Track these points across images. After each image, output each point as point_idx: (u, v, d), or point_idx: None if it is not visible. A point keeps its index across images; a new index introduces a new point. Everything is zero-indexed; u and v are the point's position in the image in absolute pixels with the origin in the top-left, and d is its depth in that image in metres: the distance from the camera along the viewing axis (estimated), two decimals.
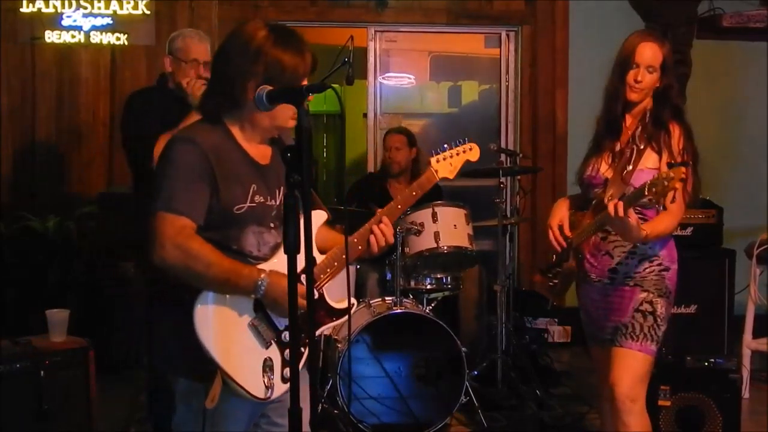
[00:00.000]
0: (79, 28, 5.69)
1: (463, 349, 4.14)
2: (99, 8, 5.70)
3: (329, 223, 2.48)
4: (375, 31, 6.20)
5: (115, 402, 4.40)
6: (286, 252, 1.92)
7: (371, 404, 4.15)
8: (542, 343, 5.47)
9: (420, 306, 4.41)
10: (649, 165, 2.90)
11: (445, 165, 2.61)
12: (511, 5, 6.20)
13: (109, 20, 5.72)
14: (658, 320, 2.94)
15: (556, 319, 5.60)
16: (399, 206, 2.50)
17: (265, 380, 2.20)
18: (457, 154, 2.64)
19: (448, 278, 4.60)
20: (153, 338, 2.34)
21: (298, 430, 1.91)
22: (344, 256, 2.31)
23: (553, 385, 4.91)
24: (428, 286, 4.56)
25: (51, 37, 5.67)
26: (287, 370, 2.23)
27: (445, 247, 4.40)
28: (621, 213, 2.69)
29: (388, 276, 4.61)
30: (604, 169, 2.99)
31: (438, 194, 4.73)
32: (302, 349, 2.25)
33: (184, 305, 2.14)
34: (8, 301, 4.95)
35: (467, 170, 2.72)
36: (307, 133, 1.92)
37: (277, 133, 2.31)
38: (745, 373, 4.71)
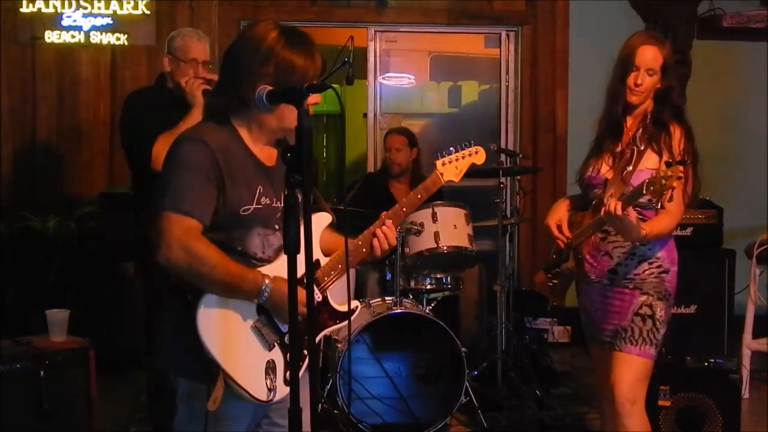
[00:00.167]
0: (79, 28, 5.69)
1: (463, 349, 4.14)
2: (99, 8, 5.70)
3: (334, 225, 2.48)
4: (375, 31, 6.20)
5: (115, 402, 4.40)
6: (285, 252, 1.92)
7: (371, 404, 4.15)
8: (542, 343, 5.47)
9: (420, 306, 4.41)
10: (649, 165, 2.90)
11: (451, 168, 2.60)
12: (511, 5, 6.20)
13: (109, 20, 5.72)
14: (657, 324, 2.94)
15: (556, 319, 5.59)
16: (404, 209, 2.49)
17: (268, 382, 2.19)
18: (463, 157, 2.63)
19: (448, 278, 4.60)
20: (155, 338, 2.34)
21: (298, 430, 1.91)
22: (347, 259, 2.31)
23: (553, 385, 4.91)
24: (428, 286, 4.55)
25: (51, 37, 5.67)
26: (289, 373, 2.23)
27: (445, 247, 4.40)
28: (619, 212, 2.70)
29: (388, 276, 4.61)
30: (605, 170, 3.00)
31: (438, 194, 4.72)
32: (304, 351, 2.24)
33: (186, 306, 2.14)
34: (8, 301, 4.95)
35: (468, 169, 2.70)
36: (307, 133, 1.91)
37: (283, 134, 2.30)
38: (745, 374, 4.71)
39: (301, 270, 1.95)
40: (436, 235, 4.37)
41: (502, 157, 5.22)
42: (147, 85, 4.51)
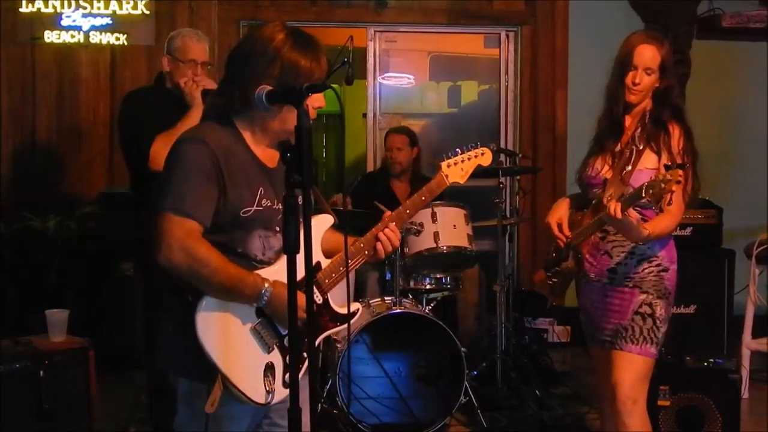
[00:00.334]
0: (78, 28, 5.69)
1: (463, 349, 4.14)
2: (98, 8, 5.70)
3: (336, 227, 2.47)
4: (375, 31, 6.20)
5: (115, 402, 4.40)
6: (285, 252, 1.91)
7: (371, 404, 4.15)
8: (542, 343, 5.47)
9: (420, 306, 4.41)
10: (648, 165, 2.91)
11: (456, 170, 2.57)
12: (511, 5, 6.20)
13: (108, 20, 5.72)
14: (658, 322, 2.94)
15: (556, 319, 5.59)
16: (407, 211, 2.47)
17: (266, 385, 2.19)
18: (469, 159, 2.60)
19: (448, 278, 4.60)
20: (155, 338, 2.34)
21: (298, 430, 1.91)
22: (348, 261, 2.30)
23: (553, 385, 4.91)
24: (428, 286, 4.56)
25: (50, 37, 5.67)
26: (289, 375, 2.23)
27: (445, 247, 4.40)
28: (620, 214, 2.70)
29: (388, 276, 4.61)
30: (604, 169, 3.00)
31: (439, 195, 4.71)
32: (304, 354, 2.24)
33: (186, 306, 2.13)
34: (8, 301, 4.95)
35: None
36: (307, 133, 1.91)
37: (286, 137, 2.29)
38: (745, 373, 4.71)
39: (301, 272, 1.94)
40: (436, 235, 4.38)
41: (502, 157, 5.22)
42: (145, 85, 4.51)
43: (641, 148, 2.93)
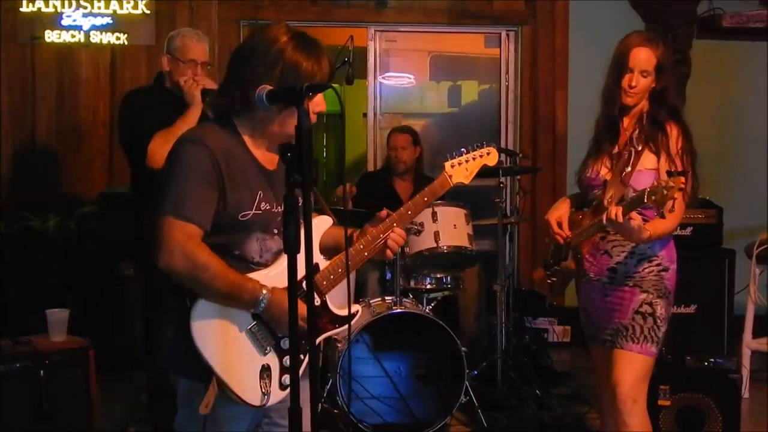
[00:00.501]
0: (78, 28, 5.69)
1: (463, 348, 4.14)
2: (99, 8, 5.70)
3: (337, 222, 2.47)
4: (375, 31, 6.20)
5: (115, 402, 4.40)
6: (286, 251, 1.91)
7: (371, 404, 4.15)
8: (542, 342, 5.47)
9: (420, 306, 4.41)
10: (647, 166, 2.91)
11: (461, 170, 2.54)
12: (511, 5, 6.20)
13: (108, 20, 5.72)
14: (658, 321, 2.94)
15: (556, 319, 5.59)
16: (409, 212, 2.45)
17: (262, 387, 2.18)
18: (474, 159, 2.57)
19: (448, 278, 4.60)
20: (155, 338, 2.34)
21: (298, 430, 1.91)
22: (347, 262, 2.29)
23: (553, 385, 4.91)
24: (428, 286, 4.56)
25: (51, 36, 5.67)
26: (286, 377, 2.22)
27: (445, 247, 4.40)
28: (621, 218, 2.71)
29: (388, 275, 4.61)
30: (604, 171, 3.00)
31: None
32: (302, 356, 2.24)
33: (184, 306, 2.13)
34: (8, 301, 4.95)
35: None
36: (307, 133, 1.91)
37: (285, 140, 2.28)
38: (745, 373, 4.71)
39: (300, 273, 1.94)
40: (436, 234, 4.38)
41: (502, 156, 5.22)
42: (145, 85, 4.51)
43: (640, 149, 2.93)
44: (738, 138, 6.31)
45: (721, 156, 6.02)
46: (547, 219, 3.14)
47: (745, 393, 4.65)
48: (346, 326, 2.37)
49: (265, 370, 2.20)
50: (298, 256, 1.91)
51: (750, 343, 4.83)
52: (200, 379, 2.16)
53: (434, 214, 4.39)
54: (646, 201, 2.60)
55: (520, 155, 5.52)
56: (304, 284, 2.05)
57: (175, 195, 2.11)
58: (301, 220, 1.93)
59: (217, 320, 2.15)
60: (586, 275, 3.06)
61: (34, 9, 5.64)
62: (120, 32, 5.72)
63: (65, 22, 5.67)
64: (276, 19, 5.74)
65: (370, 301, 4.27)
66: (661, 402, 3.78)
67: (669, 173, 2.64)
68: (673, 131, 2.93)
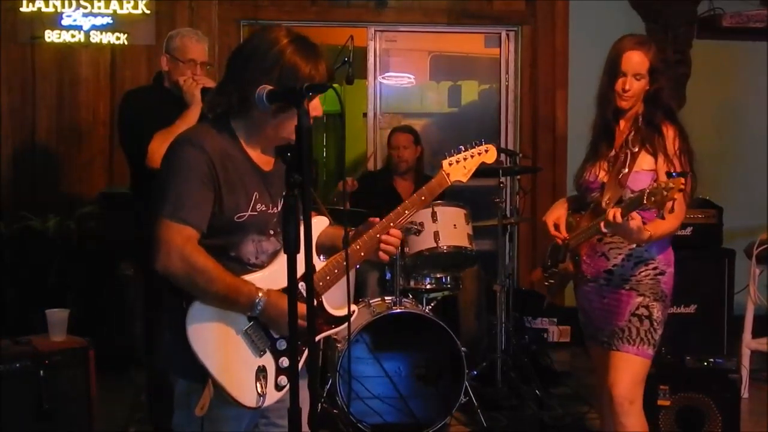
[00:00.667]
0: (79, 28, 5.69)
1: (463, 348, 4.14)
2: (99, 8, 5.70)
3: (336, 222, 2.46)
4: (375, 31, 6.20)
5: (115, 402, 4.40)
6: (286, 252, 1.91)
7: (371, 404, 4.15)
8: (542, 342, 5.47)
9: (420, 306, 4.41)
10: (644, 167, 2.91)
11: (458, 168, 2.54)
12: (511, 5, 6.20)
13: (108, 20, 5.72)
14: (655, 324, 2.95)
15: (556, 319, 5.60)
16: (407, 211, 2.44)
17: (258, 388, 2.18)
18: (472, 156, 2.56)
19: (448, 278, 4.60)
20: (155, 338, 2.34)
21: (298, 430, 1.91)
22: (344, 263, 2.29)
23: (553, 385, 4.91)
24: (428, 286, 4.56)
25: (51, 36, 5.67)
26: (281, 378, 2.22)
27: (445, 247, 4.40)
28: (619, 220, 2.70)
29: (388, 275, 4.61)
30: (601, 174, 3.01)
31: (441, 194, 4.71)
32: (298, 356, 2.24)
33: (182, 308, 2.13)
34: (8, 301, 4.95)
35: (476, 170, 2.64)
36: (307, 133, 1.91)
37: (280, 143, 2.28)
38: (745, 373, 4.72)
39: (297, 273, 1.94)
40: (436, 234, 4.38)
41: (502, 156, 5.22)
42: (144, 85, 4.51)
43: (636, 150, 2.94)
44: (738, 138, 6.31)
45: (720, 156, 6.02)
46: (545, 221, 3.14)
47: (745, 393, 4.66)
48: (344, 326, 2.37)
49: (261, 372, 2.20)
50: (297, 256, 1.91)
51: (750, 343, 4.83)
52: (198, 379, 2.16)
53: (434, 214, 4.39)
54: (645, 202, 2.60)
55: (520, 155, 5.52)
56: (300, 284, 2.05)
57: (172, 197, 2.12)
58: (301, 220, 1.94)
59: (213, 322, 2.15)
60: (584, 277, 3.06)
61: (34, 9, 5.64)
62: (120, 32, 5.72)
63: (65, 22, 5.67)
64: (276, 19, 5.74)
65: (370, 301, 4.27)
66: (660, 402, 3.78)
67: (668, 174, 2.64)
68: (669, 132, 2.94)
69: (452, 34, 6.50)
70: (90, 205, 5.46)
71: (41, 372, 3.49)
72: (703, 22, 6.06)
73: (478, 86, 7.05)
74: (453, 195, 4.82)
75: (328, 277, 2.32)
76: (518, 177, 5.51)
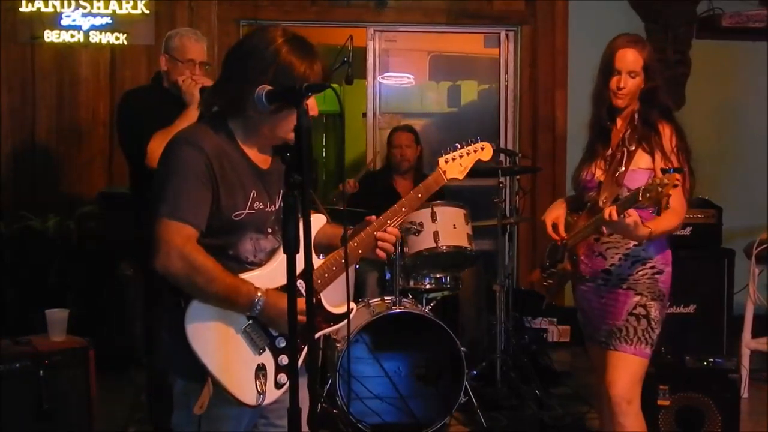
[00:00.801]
0: (78, 28, 5.70)
1: (463, 348, 4.14)
2: (98, 8, 5.70)
3: (334, 220, 2.47)
4: (374, 31, 6.21)
5: (115, 402, 4.40)
6: (285, 251, 1.91)
7: (371, 404, 4.15)
8: (542, 342, 5.47)
9: (419, 306, 4.41)
10: (642, 165, 2.91)
11: (455, 165, 2.54)
12: (511, 5, 6.20)
13: (108, 20, 5.72)
14: (652, 323, 2.95)
15: (556, 319, 5.60)
16: (404, 209, 2.45)
17: (258, 386, 2.18)
18: (468, 154, 2.57)
19: (448, 278, 4.60)
20: (154, 338, 2.34)
21: (298, 431, 1.91)
22: (343, 260, 2.29)
23: (553, 385, 4.91)
24: (427, 286, 4.56)
25: (50, 36, 5.67)
26: (281, 376, 2.22)
27: (445, 247, 4.40)
28: (615, 218, 2.70)
29: (388, 275, 4.61)
30: (598, 173, 3.01)
31: (440, 194, 4.73)
32: (301, 345, 2.24)
33: (180, 307, 2.14)
34: (8, 301, 4.95)
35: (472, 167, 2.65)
36: (306, 133, 1.91)
37: (277, 142, 2.28)
38: (745, 373, 4.72)
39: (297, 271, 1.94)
40: (436, 234, 4.38)
41: (502, 156, 5.23)
42: (143, 85, 4.51)
43: (632, 149, 2.94)
44: (738, 138, 6.31)
45: (720, 156, 6.02)
46: (543, 221, 3.14)
47: (745, 393, 4.66)
48: (343, 323, 2.37)
49: (261, 370, 2.20)
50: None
51: (749, 342, 4.83)
52: (197, 379, 2.16)
53: (433, 214, 4.39)
54: (641, 199, 2.60)
55: (520, 155, 5.52)
56: (298, 282, 2.05)
57: (171, 197, 2.12)
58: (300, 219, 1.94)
59: (212, 321, 2.15)
60: (582, 277, 3.07)
61: (34, 9, 5.65)
62: (119, 32, 5.72)
63: (65, 22, 5.68)
64: (276, 19, 5.74)
65: (370, 301, 4.27)
66: (660, 402, 3.78)
67: (663, 170, 2.63)
68: (665, 130, 2.94)
69: (452, 34, 6.50)
70: (90, 205, 5.47)
71: (41, 372, 3.49)
72: (703, 22, 6.06)
73: (478, 86, 7.05)
74: (453, 195, 4.83)
75: (326, 275, 2.33)
76: (518, 177, 5.51)
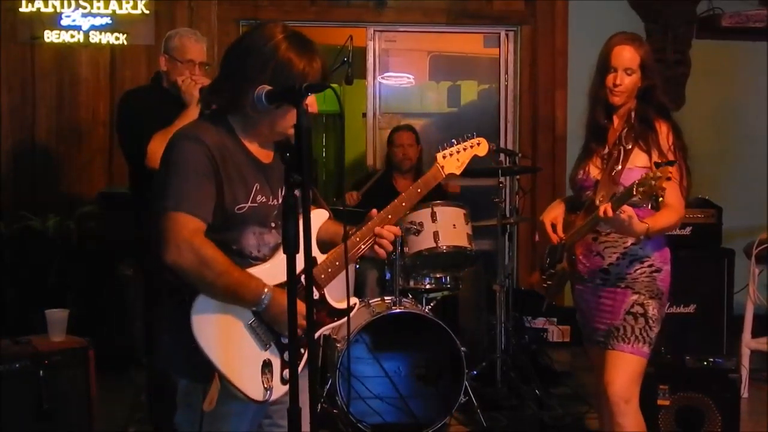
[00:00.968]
0: (78, 28, 5.70)
1: (463, 348, 4.14)
2: (98, 8, 5.70)
3: (336, 218, 2.47)
4: (374, 31, 6.21)
5: (115, 402, 4.40)
6: (285, 251, 1.91)
7: (371, 404, 4.15)
8: (542, 342, 5.47)
9: (419, 305, 4.41)
10: (638, 164, 2.91)
11: (452, 161, 2.57)
12: (511, 5, 6.20)
13: (108, 20, 5.72)
14: (650, 322, 2.94)
15: (556, 319, 5.60)
16: (403, 204, 2.47)
17: (264, 382, 2.19)
18: (464, 149, 2.60)
19: (448, 278, 4.60)
20: (154, 338, 2.33)
21: (298, 430, 1.91)
22: (347, 257, 2.29)
23: (552, 384, 4.90)
24: (427, 286, 4.56)
25: (50, 36, 5.67)
26: (287, 372, 2.22)
27: (445, 247, 4.40)
28: (610, 214, 2.70)
29: (388, 275, 4.61)
30: (595, 172, 3.01)
31: (442, 194, 4.72)
32: (302, 350, 2.24)
33: (183, 306, 2.13)
34: (8, 301, 4.95)
35: (467, 169, 2.67)
36: (306, 133, 1.91)
37: (276, 138, 2.29)
38: (744, 373, 4.71)
39: (298, 268, 1.94)
40: (436, 234, 4.38)
41: (502, 156, 5.23)
42: (143, 85, 4.51)
43: (629, 147, 2.94)
44: (737, 138, 6.30)
45: (720, 156, 6.02)
46: (542, 221, 3.14)
47: (745, 393, 4.65)
48: (345, 319, 2.38)
49: (267, 365, 2.21)
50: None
51: (749, 342, 4.83)
52: (198, 379, 2.16)
53: (433, 214, 4.39)
54: (635, 193, 2.60)
55: (520, 155, 5.52)
56: (302, 278, 2.05)
57: (177, 191, 2.12)
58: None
59: (218, 315, 2.15)
60: (580, 276, 3.06)
61: (34, 9, 5.65)
62: (119, 32, 5.72)
63: (64, 22, 5.67)
64: (276, 18, 5.74)
65: (370, 301, 4.27)
66: (660, 401, 3.78)
67: (657, 164, 2.63)
68: (662, 128, 2.94)
69: (451, 34, 6.50)
70: (90, 204, 5.47)
71: (41, 372, 3.49)
72: (703, 21, 6.06)
73: (478, 86, 7.05)
74: (452, 195, 4.83)
75: (329, 270, 2.33)
76: (518, 177, 5.51)
